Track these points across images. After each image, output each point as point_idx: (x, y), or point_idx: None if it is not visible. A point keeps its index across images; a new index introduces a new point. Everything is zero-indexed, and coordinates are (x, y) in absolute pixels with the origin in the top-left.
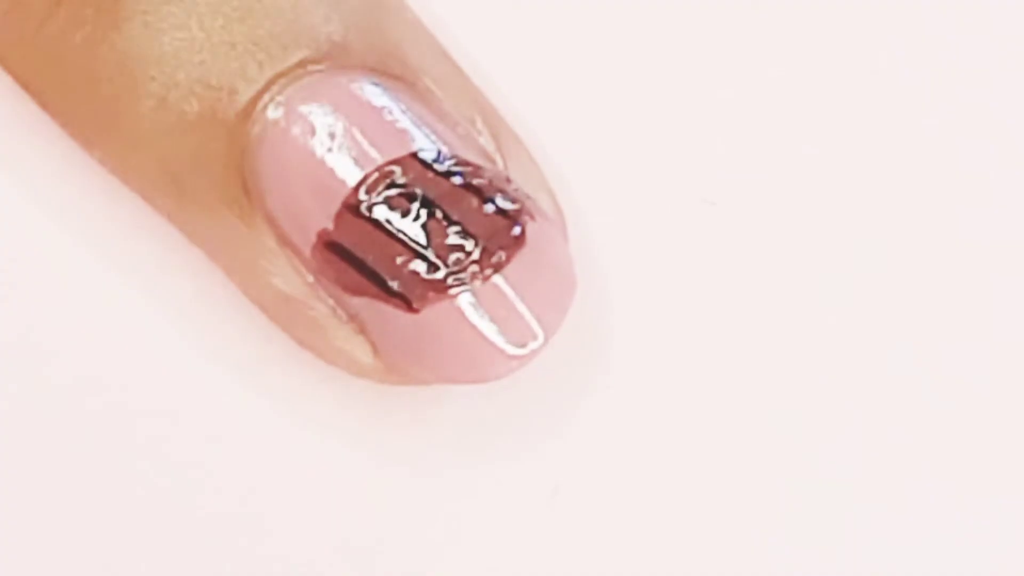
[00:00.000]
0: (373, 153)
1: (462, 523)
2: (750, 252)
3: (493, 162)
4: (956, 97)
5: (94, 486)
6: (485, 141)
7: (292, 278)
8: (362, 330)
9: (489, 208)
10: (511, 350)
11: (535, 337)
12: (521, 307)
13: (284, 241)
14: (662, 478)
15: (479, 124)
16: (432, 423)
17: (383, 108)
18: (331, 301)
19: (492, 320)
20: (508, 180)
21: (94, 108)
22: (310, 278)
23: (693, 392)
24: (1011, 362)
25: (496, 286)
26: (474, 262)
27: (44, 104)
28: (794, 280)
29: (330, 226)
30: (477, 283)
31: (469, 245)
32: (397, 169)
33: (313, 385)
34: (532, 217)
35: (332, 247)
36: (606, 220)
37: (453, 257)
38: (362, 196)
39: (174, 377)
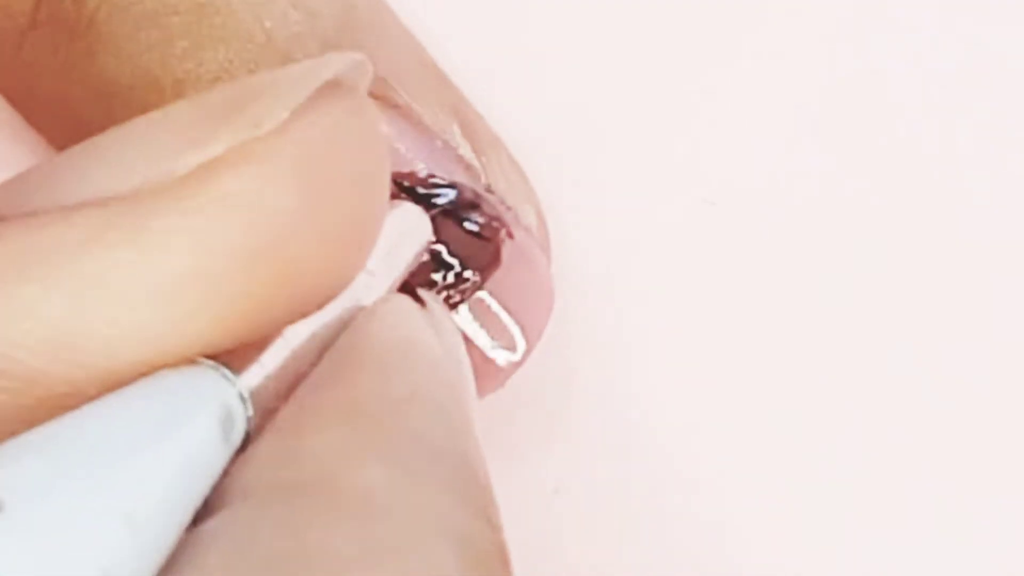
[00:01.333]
0: None
1: None
2: (739, 257)
3: (473, 174)
4: (956, 98)
5: None
6: (465, 152)
7: None
8: None
9: (466, 228)
10: (489, 369)
11: (513, 354)
12: (499, 326)
13: None
14: (657, 482)
15: (458, 135)
16: None
17: None
18: None
19: (470, 341)
20: (489, 192)
21: (72, 130)
22: None
23: (685, 395)
24: (1011, 362)
25: (473, 306)
26: (449, 285)
27: (29, 121)
28: (783, 289)
29: None
30: (453, 305)
31: (444, 267)
32: None
33: None
34: (510, 234)
35: None
36: (595, 220)
37: (427, 279)
38: None
39: None
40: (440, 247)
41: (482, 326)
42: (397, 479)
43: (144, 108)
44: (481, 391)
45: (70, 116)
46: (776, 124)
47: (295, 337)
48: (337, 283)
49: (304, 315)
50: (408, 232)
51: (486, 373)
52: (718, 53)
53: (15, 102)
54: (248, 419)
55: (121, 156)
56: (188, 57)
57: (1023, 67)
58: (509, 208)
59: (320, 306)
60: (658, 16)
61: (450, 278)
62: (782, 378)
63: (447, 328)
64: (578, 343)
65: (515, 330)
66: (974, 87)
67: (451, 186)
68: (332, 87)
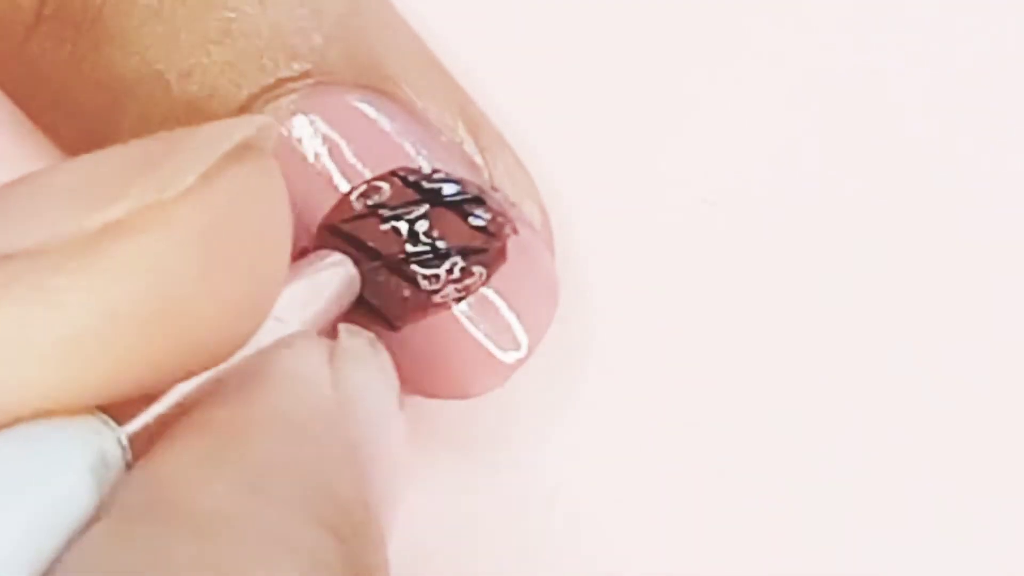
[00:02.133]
0: (354, 171)
1: (461, 524)
2: (739, 256)
3: (477, 170)
4: (956, 97)
5: None
6: (469, 148)
7: None
8: None
9: (471, 223)
10: (493, 365)
11: (517, 350)
12: (503, 322)
13: None
14: (656, 482)
15: (462, 131)
16: (428, 426)
17: (364, 124)
18: None
19: (474, 336)
20: (493, 189)
21: (77, 124)
22: None
23: (685, 395)
24: (1011, 362)
25: (478, 302)
26: (454, 280)
27: (32, 118)
28: (783, 289)
29: (309, 245)
30: (456, 303)
31: (449, 263)
32: (378, 186)
33: None
34: (515, 230)
35: None
36: (595, 219)
37: (433, 274)
38: (342, 215)
39: None
40: (445, 242)
41: (486, 323)
42: (243, 497)
43: (150, 102)
44: (482, 388)
45: (76, 111)
46: (776, 124)
47: (187, 384)
48: (232, 344)
49: (198, 372)
50: (329, 281)
51: (488, 370)
52: (718, 53)
53: (19, 98)
54: (128, 463)
55: (28, 210)
56: (194, 51)
57: (1023, 67)
58: (513, 205)
59: (214, 364)
60: (658, 16)
61: (456, 273)
62: (782, 377)
63: (357, 366)
64: (578, 342)
65: (518, 327)
66: (974, 87)
67: (456, 181)
68: (241, 149)
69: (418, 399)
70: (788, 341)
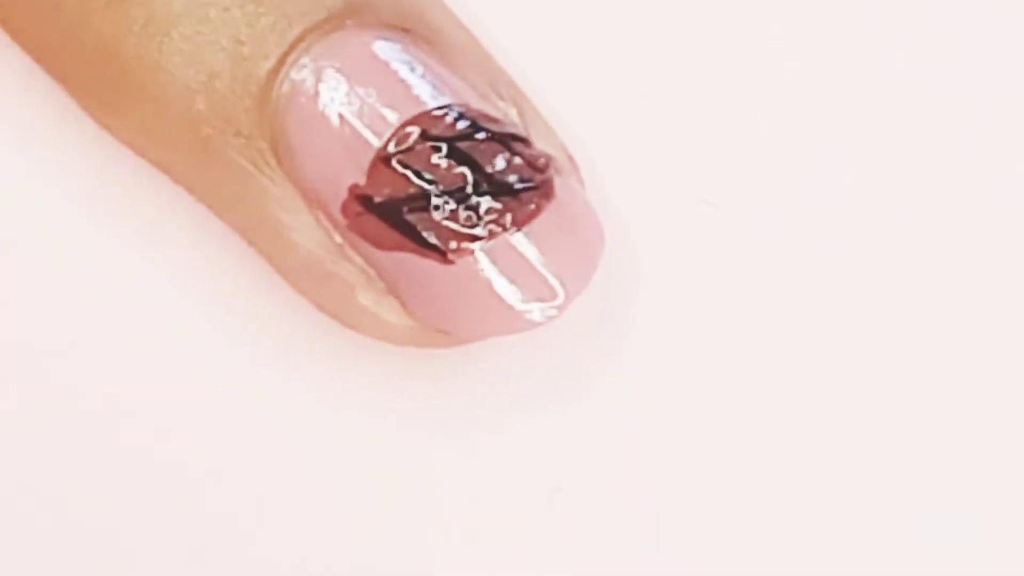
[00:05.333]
0: (403, 108)
1: (460, 524)
2: (738, 257)
3: (514, 123)
4: (956, 97)
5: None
6: (505, 105)
7: (320, 238)
8: (391, 289)
9: (518, 160)
10: (541, 303)
11: (567, 287)
12: (553, 258)
13: (312, 200)
14: (660, 473)
15: (499, 88)
16: (445, 397)
17: (409, 64)
18: (360, 260)
19: (525, 270)
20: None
21: (119, 72)
22: (338, 238)
23: (685, 395)
24: (1011, 362)
25: (528, 237)
26: (507, 211)
27: (63, 77)
28: (782, 290)
29: (362, 180)
30: (510, 233)
31: (501, 195)
32: (427, 123)
33: (326, 361)
34: (558, 171)
35: (364, 202)
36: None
37: (486, 207)
38: (393, 149)
39: (193, 355)
40: (498, 174)
41: (531, 264)
42: None
43: (199, 41)
44: (532, 322)
45: (117, 58)
46: (775, 124)
47: None
48: None
49: None
50: None
51: (539, 303)
52: (718, 53)
53: (50, 56)
54: None
55: None
56: None
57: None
58: (552, 156)
59: None
60: (657, 16)
61: (509, 204)
62: (784, 377)
63: None
64: (578, 343)
65: (563, 270)
66: (974, 87)
67: (498, 121)
68: None
69: (435, 368)
70: (788, 342)
